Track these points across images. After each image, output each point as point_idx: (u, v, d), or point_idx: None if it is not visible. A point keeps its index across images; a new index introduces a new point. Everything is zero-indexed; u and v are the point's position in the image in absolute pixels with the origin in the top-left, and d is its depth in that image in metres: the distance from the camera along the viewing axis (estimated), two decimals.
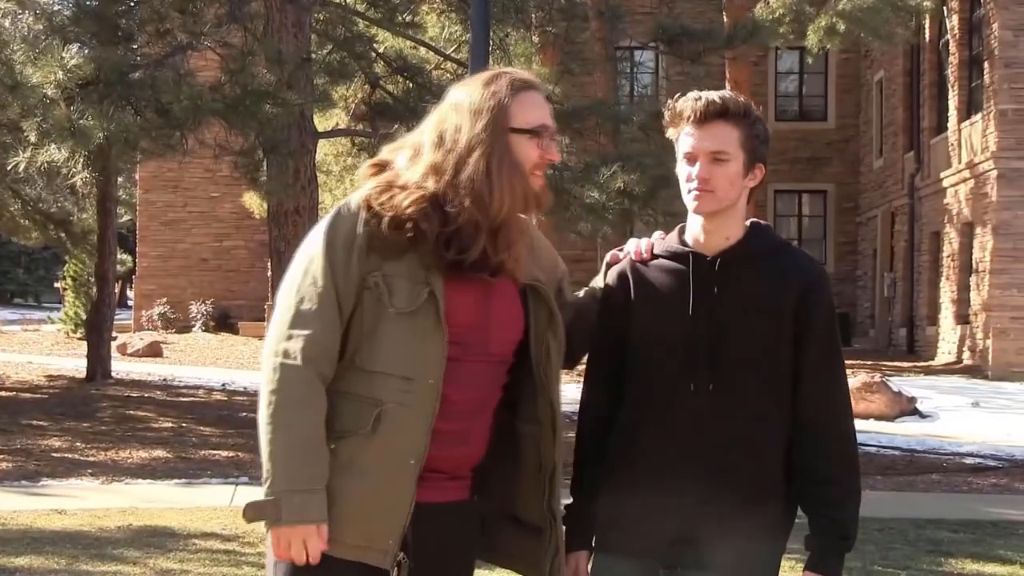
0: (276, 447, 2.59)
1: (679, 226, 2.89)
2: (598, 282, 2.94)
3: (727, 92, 2.80)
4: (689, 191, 2.75)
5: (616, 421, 2.84)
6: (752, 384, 2.76)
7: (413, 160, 2.73)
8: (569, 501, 2.89)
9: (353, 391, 2.63)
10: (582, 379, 2.95)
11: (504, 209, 2.66)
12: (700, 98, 2.75)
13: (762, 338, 2.75)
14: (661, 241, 2.88)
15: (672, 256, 2.83)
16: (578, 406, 2.95)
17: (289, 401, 2.59)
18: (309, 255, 2.68)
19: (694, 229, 2.81)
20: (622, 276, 2.86)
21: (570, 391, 2.98)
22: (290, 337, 2.62)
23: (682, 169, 2.78)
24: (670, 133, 2.81)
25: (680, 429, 2.75)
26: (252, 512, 2.61)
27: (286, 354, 2.61)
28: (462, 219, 2.64)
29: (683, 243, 2.83)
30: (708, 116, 2.72)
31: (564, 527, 2.89)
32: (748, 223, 2.83)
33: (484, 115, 2.68)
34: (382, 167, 2.77)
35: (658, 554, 2.78)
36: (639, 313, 2.81)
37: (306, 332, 2.61)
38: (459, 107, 2.72)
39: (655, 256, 2.85)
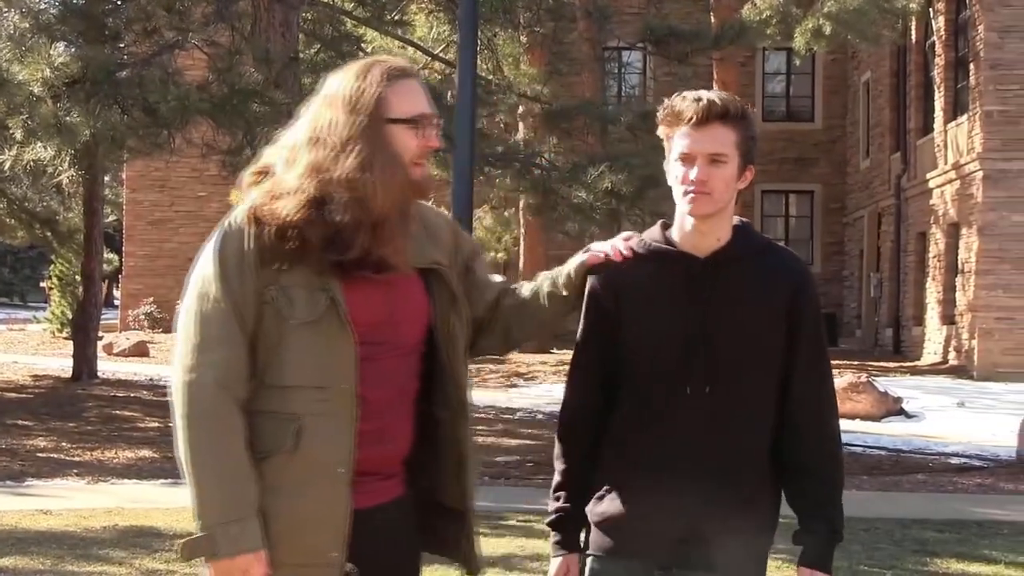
0: (201, 480, 2.54)
1: (659, 223, 2.86)
2: (562, 276, 2.87)
3: (723, 93, 2.77)
4: (685, 193, 2.72)
5: (608, 424, 2.83)
6: (747, 385, 2.76)
7: (289, 162, 2.65)
8: (558, 504, 2.88)
9: (269, 409, 2.58)
10: (567, 380, 2.93)
11: (385, 204, 2.59)
12: (701, 99, 2.71)
13: (756, 338, 2.76)
14: (642, 241, 2.84)
15: (661, 257, 2.80)
16: (561, 406, 2.93)
17: (207, 431, 2.54)
18: (203, 277, 2.61)
19: (685, 230, 2.78)
20: (608, 278, 2.83)
21: (556, 391, 2.97)
22: (198, 364, 2.55)
23: (676, 170, 2.74)
24: (662, 132, 2.78)
25: (677, 431, 2.75)
26: (188, 551, 2.55)
27: (197, 382, 2.55)
28: (344, 219, 2.56)
29: (670, 243, 2.81)
30: (709, 118, 2.69)
31: (552, 529, 2.89)
32: (735, 223, 2.83)
33: (359, 108, 2.60)
34: (264, 173, 2.69)
35: (654, 555, 2.78)
36: (630, 315, 2.79)
37: (214, 357, 2.55)
38: (333, 101, 2.64)
39: (638, 255, 2.82)
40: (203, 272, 2.62)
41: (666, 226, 2.83)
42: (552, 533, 2.89)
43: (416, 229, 2.71)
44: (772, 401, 2.78)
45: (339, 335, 2.57)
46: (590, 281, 2.85)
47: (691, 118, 2.69)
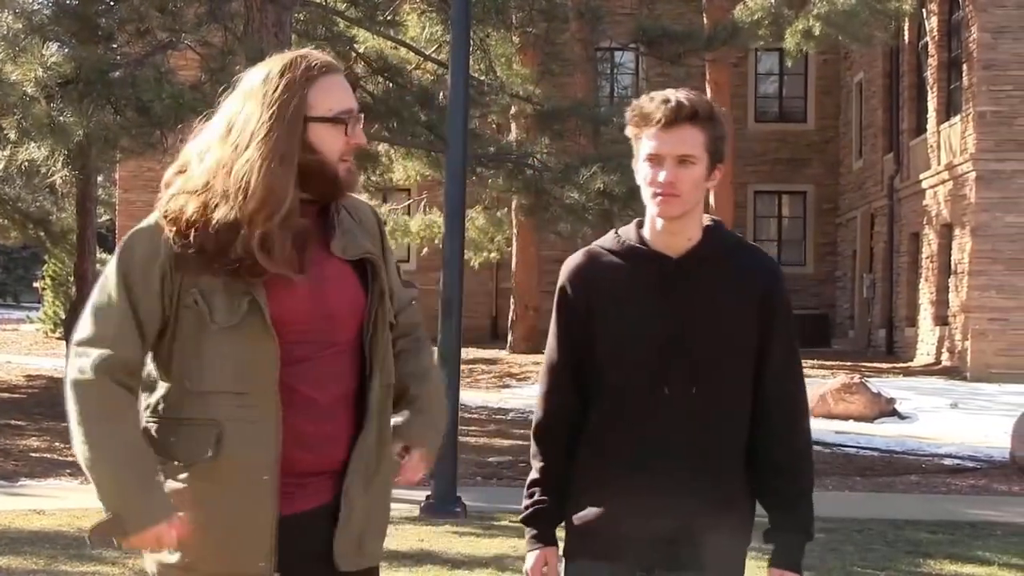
0: (96, 466, 2.49)
1: (635, 221, 2.86)
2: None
3: (692, 93, 2.76)
4: (655, 195, 2.72)
5: (585, 424, 2.83)
6: (723, 383, 2.78)
7: (200, 158, 2.58)
8: (533, 499, 2.87)
9: (189, 416, 2.53)
10: (541, 379, 2.92)
11: (268, 205, 2.49)
12: (669, 100, 2.71)
13: (730, 337, 2.77)
14: (616, 238, 2.84)
15: (633, 257, 2.80)
16: (536, 405, 2.93)
17: (93, 417, 2.49)
18: (105, 276, 2.58)
19: (656, 230, 2.79)
20: (579, 276, 2.83)
21: (527, 390, 2.96)
22: (84, 355, 2.52)
23: (645, 171, 2.74)
24: (631, 132, 2.78)
25: (654, 431, 2.75)
26: (97, 535, 2.51)
27: (80, 371, 2.51)
28: (229, 218, 2.49)
29: (643, 243, 2.81)
30: (678, 119, 2.69)
31: (527, 524, 2.89)
32: (706, 223, 2.83)
33: (276, 104, 2.52)
34: (183, 172, 2.62)
35: (635, 557, 2.78)
36: (602, 314, 2.79)
37: (99, 349, 2.51)
38: (251, 95, 2.56)
39: (613, 252, 2.82)
40: (107, 272, 2.58)
41: (641, 224, 2.84)
42: (527, 528, 2.89)
43: (348, 221, 2.66)
44: (748, 399, 2.80)
45: (262, 338, 2.50)
46: (561, 279, 2.87)
47: (660, 119, 2.70)
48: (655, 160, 2.72)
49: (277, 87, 2.53)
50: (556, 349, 2.86)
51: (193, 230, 2.49)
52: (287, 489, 2.54)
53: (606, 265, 2.81)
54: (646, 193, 2.75)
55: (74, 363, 2.54)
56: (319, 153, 2.56)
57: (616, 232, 2.87)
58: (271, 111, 2.52)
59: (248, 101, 2.55)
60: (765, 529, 2.84)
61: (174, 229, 2.51)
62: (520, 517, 2.93)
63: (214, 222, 2.49)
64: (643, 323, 2.76)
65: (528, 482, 2.91)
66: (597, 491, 2.79)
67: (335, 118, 2.56)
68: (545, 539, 2.87)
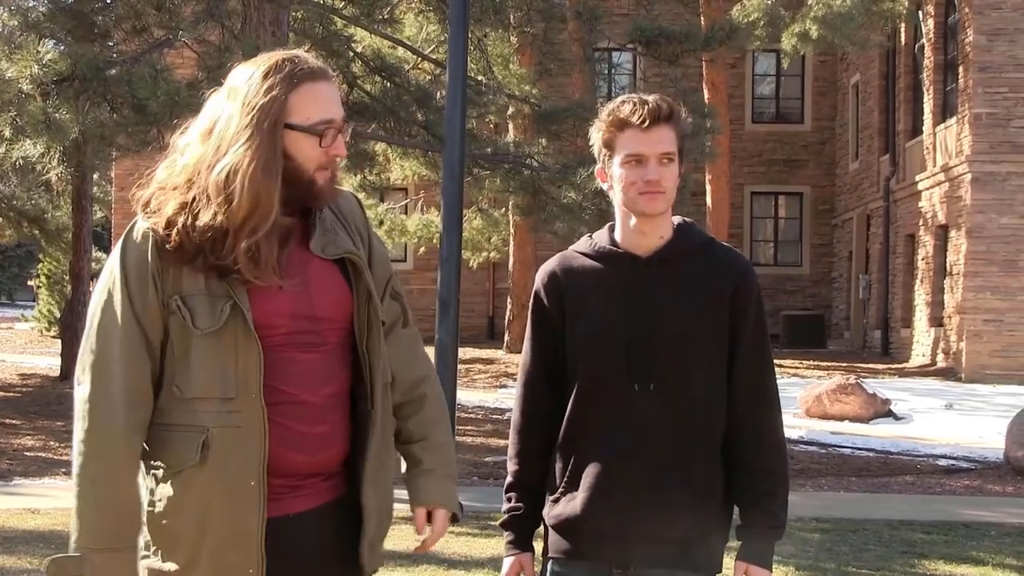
0: (83, 501, 2.48)
1: (608, 225, 2.91)
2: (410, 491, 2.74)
3: (657, 96, 2.85)
4: (641, 192, 2.77)
5: (561, 424, 2.85)
6: (695, 380, 2.80)
7: (182, 151, 2.52)
8: (511, 504, 2.91)
9: (176, 422, 2.48)
10: (517, 381, 2.96)
11: (250, 213, 2.44)
12: (647, 103, 2.79)
13: (701, 334, 2.80)
14: (589, 241, 2.90)
15: (604, 258, 2.84)
16: (513, 407, 2.97)
17: (97, 454, 2.45)
18: (107, 287, 2.49)
19: (628, 230, 2.83)
20: (552, 281, 2.87)
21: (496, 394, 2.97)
22: (98, 384, 2.46)
23: (624, 172, 2.78)
24: (603, 138, 2.81)
25: (628, 429, 2.78)
26: (55, 568, 2.47)
27: (94, 403, 2.45)
28: (214, 222, 2.43)
29: (614, 244, 2.85)
30: (657, 120, 2.77)
31: (504, 529, 2.93)
32: (677, 222, 2.88)
33: (257, 108, 2.45)
34: (171, 168, 2.54)
35: (612, 555, 2.81)
36: (574, 316, 2.83)
37: (114, 380, 2.45)
38: (234, 94, 2.50)
39: (586, 255, 2.87)
40: (106, 281, 2.50)
41: (613, 228, 2.89)
42: (505, 533, 2.94)
43: (330, 219, 2.61)
44: (721, 395, 2.82)
45: (244, 342, 2.46)
46: (536, 282, 2.92)
47: (641, 121, 2.77)
48: (638, 160, 2.78)
49: (259, 90, 2.47)
50: (530, 352, 2.91)
51: (174, 229, 2.45)
52: (281, 492, 2.51)
53: (578, 268, 2.87)
54: (625, 194, 2.80)
55: (86, 390, 2.47)
56: (294, 160, 2.50)
57: (589, 236, 2.93)
58: (250, 115, 2.46)
59: (230, 100, 2.50)
60: (737, 525, 2.86)
61: (155, 224, 2.47)
62: (499, 521, 2.97)
63: (198, 224, 2.44)
64: (611, 322, 2.80)
65: (505, 486, 2.95)
66: (573, 491, 2.82)
67: (310, 128, 2.49)
68: (521, 545, 2.92)
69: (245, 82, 2.50)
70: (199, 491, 2.47)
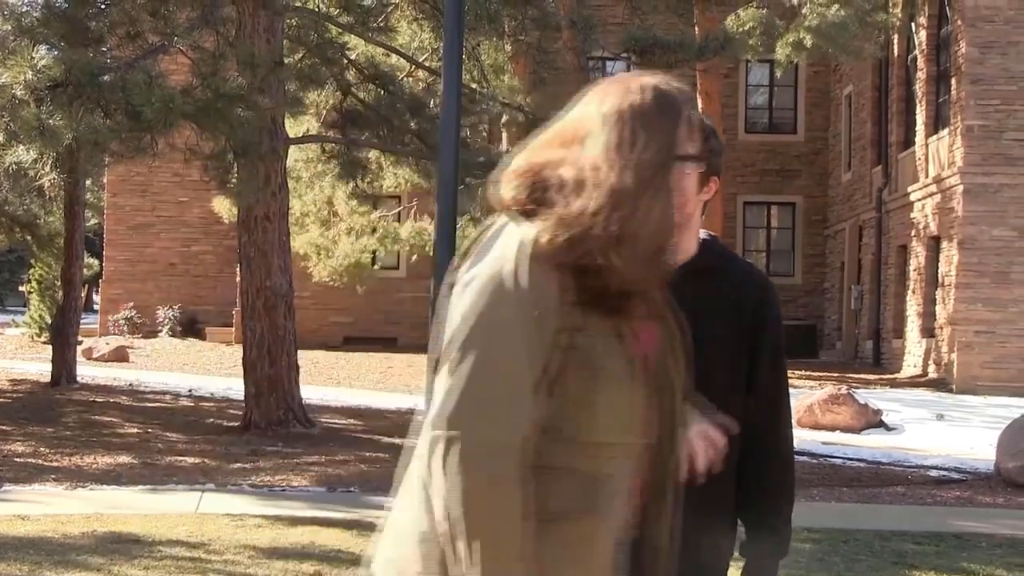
0: (495, 558, 2.08)
1: None
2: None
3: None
4: None
5: None
6: (717, 397, 2.77)
7: (580, 183, 2.15)
8: None
9: (563, 465, 2.17)
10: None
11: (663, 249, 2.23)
12: None
13: (724, 351, 2.80)
14: None
15: None
16: None
17: (509, 505, 2.08)
18: (501, 318, 2.13)
19: None
20: None
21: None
22: (502, 425, 2.09)
23: None
24: None
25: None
26: None
27: (501, 444, 2.07)
28: (643, 269, 2.19)
29: None
30: None
31: None
32: (702, 237, 2.87)
33: (665, 140, 2.20)
34: (534, 185, 2.19)
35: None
36: None
37: (516, 416, 2.09)
38: (646, 123, 2.20)
39: None
40: (500, 312, 2.13)
41: None
42: None
43: None
44: (739, 409, 2.80)
45: (632, 383, 2.22)
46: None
47: None
48: None
49: (669, 116, 2.24)
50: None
51: (594, 267, 2.13)
52: None
53: None
54: None
55: (484, 424, 2.09)
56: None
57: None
58: (659, 144, 2.20)
59: (643, 128, 2.19)
60: (741, 542, 2.86)
61: (568, 260, 2.13)
62: None
63: (618, 262, 2.13)
64: None
65: None
66: None
67: (697, 156, 2.35)
68: None
69: (656, 108, 2.25)
70: (578, 541, 2.22)
